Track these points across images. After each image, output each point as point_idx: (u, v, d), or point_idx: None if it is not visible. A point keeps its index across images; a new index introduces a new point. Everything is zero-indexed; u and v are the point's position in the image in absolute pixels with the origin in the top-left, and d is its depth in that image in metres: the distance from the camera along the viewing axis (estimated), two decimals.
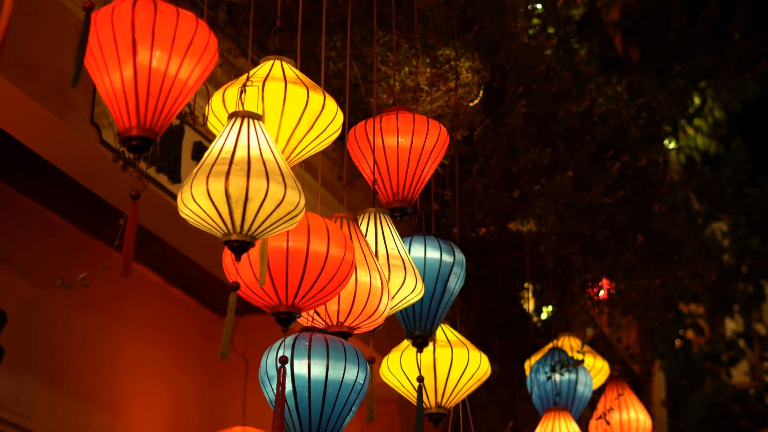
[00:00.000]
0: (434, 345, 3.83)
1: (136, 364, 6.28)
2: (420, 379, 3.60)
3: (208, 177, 2.59)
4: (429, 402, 3.84)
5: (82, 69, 2.50)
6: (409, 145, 3.59)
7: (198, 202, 2.61)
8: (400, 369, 3.79)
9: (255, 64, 3.07)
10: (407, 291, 3.32)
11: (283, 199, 2.62)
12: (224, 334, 2.66)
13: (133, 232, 2.55)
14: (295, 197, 2.65)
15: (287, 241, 2.84)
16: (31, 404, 5.55)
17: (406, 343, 3.76)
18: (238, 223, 2.62)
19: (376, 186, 3.59)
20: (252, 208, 2.60)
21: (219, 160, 2.62)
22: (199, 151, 4.81)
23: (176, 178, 4.64)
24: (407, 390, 3.78)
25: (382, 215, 3.43)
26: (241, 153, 2.64)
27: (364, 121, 3.62)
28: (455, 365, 3.84)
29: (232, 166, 2.60)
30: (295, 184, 2.67)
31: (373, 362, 3.19)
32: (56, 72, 4.02)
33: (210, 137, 4.86)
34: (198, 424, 6.65)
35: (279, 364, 2.89)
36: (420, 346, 3.64)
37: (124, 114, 2.56)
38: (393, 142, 3.59)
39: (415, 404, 3.62)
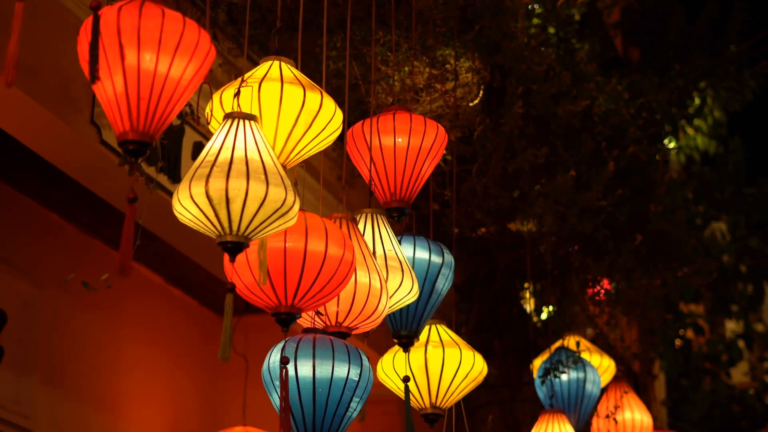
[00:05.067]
0: (426, 345, 3.82)
1: (136, 364, 6.28)
2: (406, 379, 3.58)
3: (190, 182, 2.62)
4: (424, 402, 3.82)
5: (97, 65, 2.52)
6: (406, 145, 3.58)
7: (185, 206, 2.63)
8: (393, 370, 3.78)
9: (255, 64, 3.07)
10: (404, 292, 3.32)
11: (265, 198, 2.61)
12: (223, 336, 2.64)
13: (130, 234, 2.55)
14: (279, 194, 2.62)
15: (284, 241, 2.83)
16: (31, 404, 5.55)
17: None
18: (226, 224, 2.63)
19: (373, 186, 3.59)
20: (235, 208, 2.60)
21: (203, 163, 2.65)
22: (199, 151, 4.80)
23: (176, 178, 4.64)
24: (401, 390, 3.78)
25: (378, 216, 3.43)
26: (225, 155, 2.65)
27: (362, 121, 3.62)
28: (447, 365, 3.82)
29: (214, 168, 2.62)
30: (282, 181, 2.65)
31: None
32: (56, 72, 4.02)
33: (210, 137, 4.86)
34: (198, 424, 6.65)
35: (280, 365, 2.88)
36: (405, 345, 3.62)
37: (118, 119, 2.58)
38: (390, 142, 3.58)
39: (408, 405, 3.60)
